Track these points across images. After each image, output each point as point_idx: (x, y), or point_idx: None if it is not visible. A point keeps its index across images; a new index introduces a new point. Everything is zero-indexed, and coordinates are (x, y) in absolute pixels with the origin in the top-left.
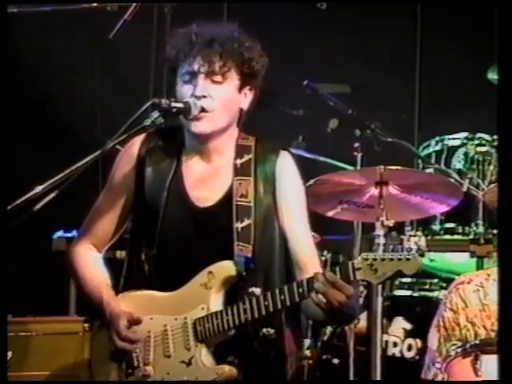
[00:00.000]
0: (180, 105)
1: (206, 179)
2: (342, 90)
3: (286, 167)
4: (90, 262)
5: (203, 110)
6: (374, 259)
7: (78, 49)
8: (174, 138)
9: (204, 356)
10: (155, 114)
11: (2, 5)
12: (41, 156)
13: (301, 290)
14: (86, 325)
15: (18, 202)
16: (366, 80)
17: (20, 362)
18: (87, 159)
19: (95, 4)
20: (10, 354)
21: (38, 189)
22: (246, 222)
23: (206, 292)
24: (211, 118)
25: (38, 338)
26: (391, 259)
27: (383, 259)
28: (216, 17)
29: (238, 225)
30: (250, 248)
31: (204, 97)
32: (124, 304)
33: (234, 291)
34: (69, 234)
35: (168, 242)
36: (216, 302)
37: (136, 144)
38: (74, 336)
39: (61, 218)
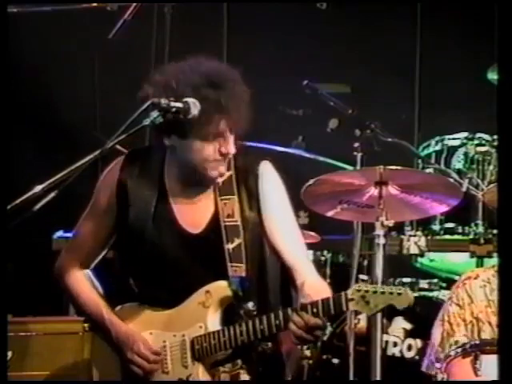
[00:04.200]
0: (179, 104)
1: (193, 201)
2: (342, 90)
3: (268, 178)
4: (82, 283)
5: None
6: (366, 291)
7: (78, 49)
8: (154, 159)
9: (201, 374)
10: (155, 114)
11: (2, 5)
12: (41, 156)
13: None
14: (85, 325)
15: (18, 201)
16: (366, 80)
17: (20, 362)
18: (87, 159)
19: (95, 4)
20: (9, 353)
21: (38, 188)
22: (236, 241)
23: (204, 310)
24: None
25: (38, 338)
26: (383, 292)
27: (375, 292)
28: (216, 17)
29: (229, 246)
30: (244, 267)
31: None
32: (123, 318)
33: (230, 310)
34: (69, 234)
35: (158, 269)
36: (213, 320)
37: (115, 168)
38: (74, 336)
39: (61, 218)
